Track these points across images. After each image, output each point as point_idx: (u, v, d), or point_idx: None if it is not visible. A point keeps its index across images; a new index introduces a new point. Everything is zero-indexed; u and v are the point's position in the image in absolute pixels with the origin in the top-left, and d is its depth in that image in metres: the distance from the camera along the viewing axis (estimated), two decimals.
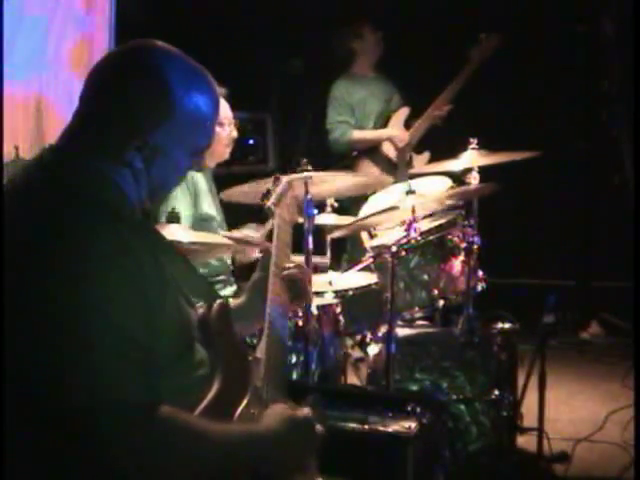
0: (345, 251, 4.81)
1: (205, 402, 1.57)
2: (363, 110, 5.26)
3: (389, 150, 5.18)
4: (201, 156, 1.69)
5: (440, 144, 5.11)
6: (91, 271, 1.41)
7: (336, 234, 3.75)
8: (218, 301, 1.71)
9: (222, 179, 3.99)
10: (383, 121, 5.25)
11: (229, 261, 3.88)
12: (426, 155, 5.09)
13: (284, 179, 2.33)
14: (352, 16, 5.38)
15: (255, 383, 1.70)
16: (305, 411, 1.67)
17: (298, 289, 2.03)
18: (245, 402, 1.64)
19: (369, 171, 5.13)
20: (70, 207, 1.48)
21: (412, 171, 4.58)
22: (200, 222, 3.59)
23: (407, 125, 5.21)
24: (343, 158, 5.22)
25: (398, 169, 5.08)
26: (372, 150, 5.20)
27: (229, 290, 3.77)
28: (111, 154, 1.57)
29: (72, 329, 1.38)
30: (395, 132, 5.19)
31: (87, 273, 1.41)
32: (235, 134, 3.77)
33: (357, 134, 5.21)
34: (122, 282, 1.43)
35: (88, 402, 1.36)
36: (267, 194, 2.26)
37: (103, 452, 1.38)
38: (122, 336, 1.41)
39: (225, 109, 3.76)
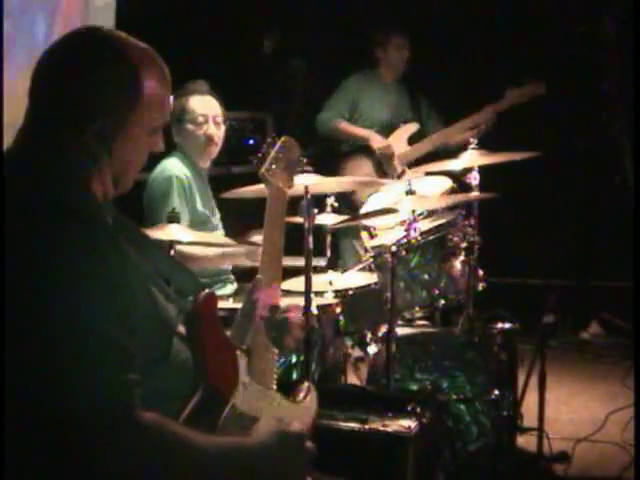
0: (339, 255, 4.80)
1: (190, 405, 1.55)
2: (368, 115, 5.23)
3: (380, 157, 5.14)
4: (159, 135, 1.68)
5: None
6: (63, 277, 1.39)
7: (335, 226, 3.73)
8: (204, 293, 1.67)
9: (222, 179, 3.99)
10: (388, 131, 5.21)
11: None
12: (420, 174, 5.01)
13: (279, 140, 2.18)
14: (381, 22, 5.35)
15: (243, 379, 1.67)
16: (297, 426, 1.64)
17: (288, 335, 1.92)
18: (232, 402, 1.62)
19: (360, 169, 5.10)
20: (36, 216, 1.45)
21: (412, 170, 4.57)
22: (196, 223, 3.58)
23: (414, 142, 5.15)
24: (335, 148, 5.19)
25: (387, 177, 5.05)
26: (367, 152, 5.16)
27: (229, 288, 3.76)
28: (70, 144, 1.55)
29: (51, 336, 1.36)
30: (375, 135, 5.14)
31: (59, 279, 1.39)
32: (211, 131, 3.68)
33: (341, 124, 5.18)
34: (95, 285, 1.41)
35: (70, 408, 1.35)
36: (262, 159, 2.12)
37: (87, 459, 1.36)
38: (101, 339, 1.39)
39: (214, 108, 3.72)
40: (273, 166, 2.09)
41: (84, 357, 1.37)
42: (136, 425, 1.39)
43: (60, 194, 1.50)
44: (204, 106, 3.69)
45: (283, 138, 2.18)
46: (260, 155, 2.13)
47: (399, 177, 5.02)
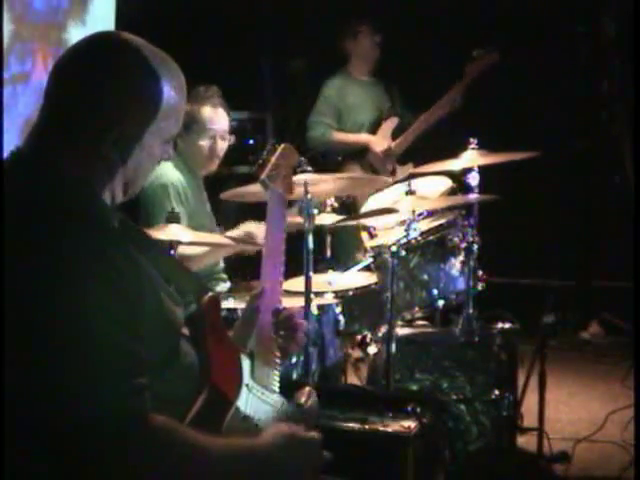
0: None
1: (195, 407, 1.55)
2: (355, 118, 5.21)
3: (373, 158, 5.13)
4: (170, 144, 1.67)
5: (440, 144, 5.12)
6: (71, 283, 1.38)
7: (336, 225, 3.73)
8: (207, 295, 1.66)
9: (222, 179, 3.99)
10: (373, 130, 5.20)
11: (221, 259, 3.86)
12: (409, 166, 4.97)
13: (279, 148, 2.18)
14: (352, 15, 5.36)
15: (246, 382, 1.67)
16: (312, 432, 1.64)
17: (290, 339, 1.90)
18: (236, 404, 1.62)
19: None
20: (43, 219, 1.44)
21: (413, 170, 4.57)
22: (193, 228, 3.56)
23: (394, 135, 5.16)
24: (326, 157, 5.19)
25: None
26: (359, 156, 5.16)
27: (222, 287, 3.76)
28: (85, 149, 1.53)
29: (59, 341, 1.36)
30: (374, 138, 5.13)
31: (67, 286, 1.38)
32: (219, 146, 3.67)
33: (337, 136, 5.16)
34: (103, 291, 1.40)
35: (81, 415, 1.34)
36: (262, 165, 2.12)
37: (99, 466, 1.35)
38: (111, 344, 1.38)
39: (223, 122, 3.70)
40: (273, 173, 2.10)
41: (93, 363, 1.36)
42: (148, 430, 1.39)
43: (71, 197, 1.49)
44: (215, 121, 3.65)
45: (283, 145, 2.18)
46: (260, 162, 2.14)
47: (391, 174, 5.03)
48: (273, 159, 2.13)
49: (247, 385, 1.66)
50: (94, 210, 1.53)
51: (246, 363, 1.69)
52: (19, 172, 1.52)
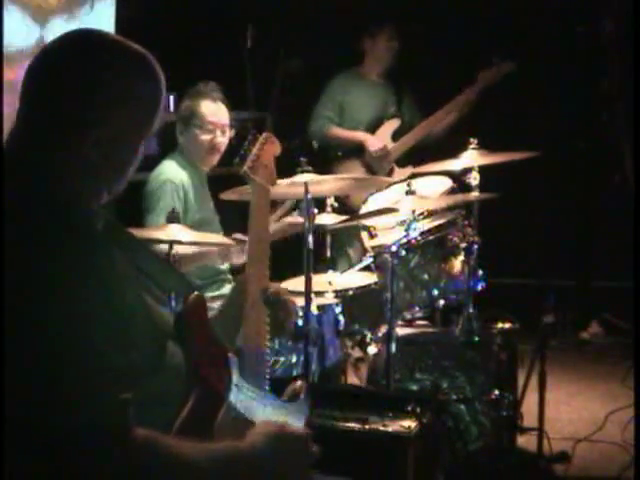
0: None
1: (184, 412, 1.54)
2: (353, 115, 5.17)
3: (368, 157, 5.09)
4: (149, 140, 1.66)
5: (440, 144, 5.11)
6: (56, 294, 1.35)
7: (336, 226, 3.73)
8: (193, 294, 1.64)
9: (222, 179, 3.99)
10: (372, 130, 5.15)
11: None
12: (408, 169, 4.91)
13: (260, 138, 2.14)
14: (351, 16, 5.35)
15: (235, 381, 1.65)
16: (299, 428, 1.63)
17: (280, 309, 1.93)
18: (225, 406, 1.62)
19: (351, 173, 5.08)
20: (24, 226, 1.40)
21: (414, 170, 4.56)
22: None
23: (395, 137, 5.12)
24: (327, 154, 5.18)
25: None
26: (358, 153, 5.15)
27: (227, 288, 3.75)
28: (66, 151, 1.50)
29: (43, 355, 1.33)
30: (370, 137, 5.09)
31: (51, 299, 1.35)
32: (217, 140, 3.68)
33: (333, 130, 5.13)
34: (88, 303, 1.38)
35: (65, 430, 1.32)
36: (243, 156, 2.08)
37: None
38: (95, 359, 1.36)
39: (223, 116, 3.71)
40: (255, 163, 2.07)
41: (77, 378, 1.34)
42: (131, 444, 1.37)
43: (54, 204, 1.46)
44: (214, 114, 3.67)
45: (264, 134, 2.15)
46: (242, 153, 2.12)
47: (389, 175, 5.01)
48: (254, 150, 2.10)
49: (236, 385, 1.66)
50: (77, 216, 1.50)
51: (234, 362, 1.68)
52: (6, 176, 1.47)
